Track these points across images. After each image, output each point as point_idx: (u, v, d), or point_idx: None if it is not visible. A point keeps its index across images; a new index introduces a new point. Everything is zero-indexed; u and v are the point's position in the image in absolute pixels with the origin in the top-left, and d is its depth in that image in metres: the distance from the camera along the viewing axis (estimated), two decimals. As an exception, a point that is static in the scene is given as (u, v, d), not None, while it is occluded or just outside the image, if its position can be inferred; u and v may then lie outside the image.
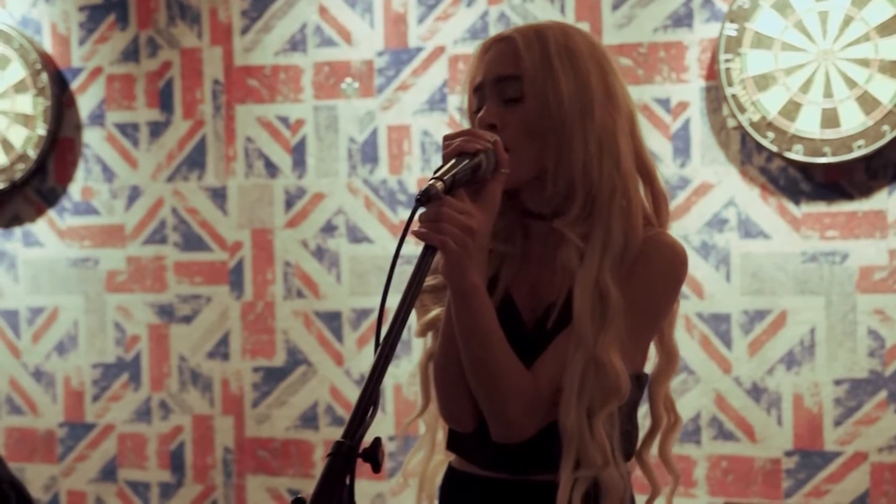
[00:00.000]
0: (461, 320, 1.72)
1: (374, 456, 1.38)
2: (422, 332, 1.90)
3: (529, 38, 1.80)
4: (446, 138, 1.69)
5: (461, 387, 1.80)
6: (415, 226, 1.61)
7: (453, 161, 1.65)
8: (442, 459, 1.99)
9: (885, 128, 3.20)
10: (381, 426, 3.68)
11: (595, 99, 1.79)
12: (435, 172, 1.62)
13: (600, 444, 1.74)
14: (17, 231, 4.08)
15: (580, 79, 1.78)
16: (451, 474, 1.95)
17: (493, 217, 1.71)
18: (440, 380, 1.84)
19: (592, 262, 1.76)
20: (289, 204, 3.78)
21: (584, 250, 1.78)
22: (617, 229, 1.77)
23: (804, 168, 3.32)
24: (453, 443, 1.93)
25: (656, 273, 1.80)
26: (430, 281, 1.87)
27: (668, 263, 1.81)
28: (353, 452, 1.36)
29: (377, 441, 1.39)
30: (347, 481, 1.36)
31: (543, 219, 1.83)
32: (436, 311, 1.87)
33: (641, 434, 1.95)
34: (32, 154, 3.98)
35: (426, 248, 1.59)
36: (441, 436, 1.98)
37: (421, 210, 1.61)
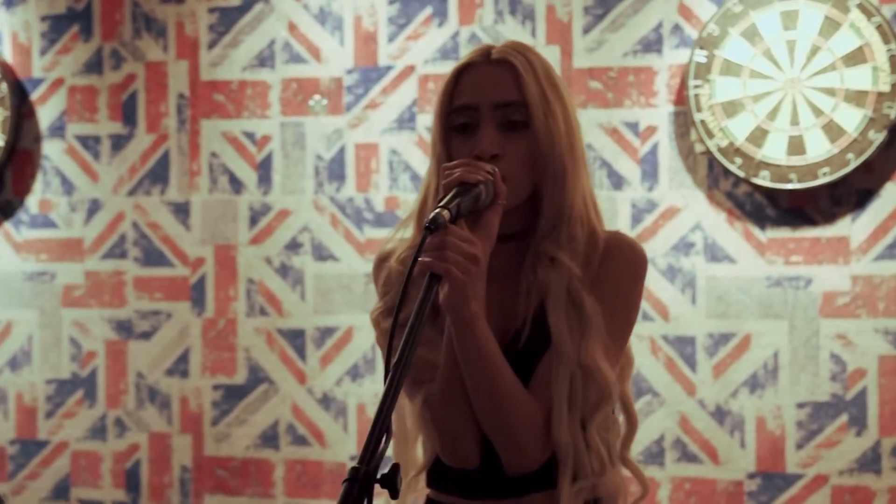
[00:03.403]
0: (466, 351, 1.64)
1: (392, 482, 1.31)
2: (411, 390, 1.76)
3: (523, 62, 1.71)
4: (445, 168, 1.62)
5: (466, 423, 1.70)
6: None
7: (455, 191, 1.57)
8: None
9: (850, 156, 3.09)
10: (344, 445, 3.46)
11: (574, 124, 1.75)
12: (439, 202, 1.55)
13: (596, 453, 1.69)
14: (-29, 243, 3.79)
15: (563, 107, 1.73)
16: None
17: (491, 247, 1.63)
18: (443, 419, 1.72)
19: (562, 273, 1.70)
20: (253, 220, 3.55)
21: (552, 263, 1.72)
22: (580, 236, 1.73)
23: (770, 194, 3.19)
24: (438, 480, 1.79)
25: (623, 272, 1.75)
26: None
27: (632, 262, 1.76)
28: (371, 478, 1.29)
29: (396, 467, 1.32)
30: None
31: (507, 240, 1.72)
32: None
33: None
34: (-11, 165, 3.70)
35: (431, 277, 1.52)
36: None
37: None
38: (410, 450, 1.80)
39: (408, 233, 1.80)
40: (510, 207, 1.67)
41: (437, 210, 1.52)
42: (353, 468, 1.28)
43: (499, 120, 1.70)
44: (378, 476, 1.29)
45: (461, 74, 1.72)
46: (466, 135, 1.71)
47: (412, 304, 1.49)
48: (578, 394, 1.67)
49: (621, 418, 1.84)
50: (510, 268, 1.74)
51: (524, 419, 1.66)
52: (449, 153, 1.72)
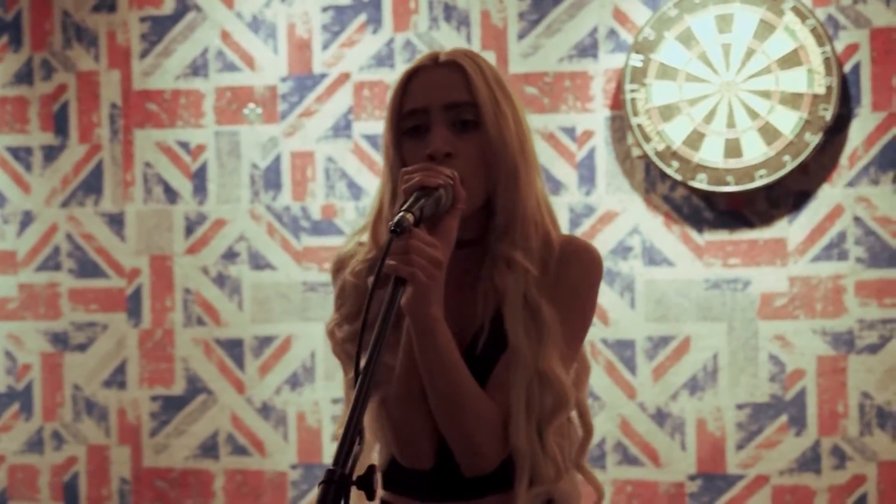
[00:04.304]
0: (426, 354, 1.59)
1: (368, 483, 1.29)
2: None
3: (471, 64, 1.68)
4: (405, 173, 1.57)
5: (421, 424, 1.65)
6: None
7: (416, 195, 1.53)
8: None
9: (787, 158, 3.01)
10: (284, 454, 3.34)
11: (524, 125, 1.71)
12: (401, 206, 1.50)
13: (552, 458, 1.64)
14: None
15: (513, 108, 1.69)
16: None
17: (450, 251, 1.59)
18: (399, 420, 1.67)
19: (518, 279, 1.65)
20: (189, 230, 3.41)
21: (507, 269, 1.67)
22: (535, 240, 1.68)
23: (707, 197, 3.11)
24: (393, 481, 1.73)
25: (580, 277, 1.70)
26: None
27: (588, 266, 1.71)
28: (347, 480, 1.26)
29: (372, 468, 1.30)
30: None
31: (464, 246, 1.66)
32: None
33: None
34: (-82, 178, 3.53)
35: (396, 281, 1.48)
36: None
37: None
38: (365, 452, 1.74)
39: (364, 239, 1.74)
40: (466, 212, 1.62)
41: (402, 213, 1.48)
42: (329, 470, 1.26)
43: (450, 120, 1.66)
44: (354, 478, 1.27)
45: (410, 80, 1.69)
46: (418, 137, 1.66)
47: (375, 309, 1.45)
48: (535, 400, 1.62)
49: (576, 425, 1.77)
50: (467, 273, 1.69)
51: (482, 421, 1.61)
52: (402, 157, 1.68)
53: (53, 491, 3.53)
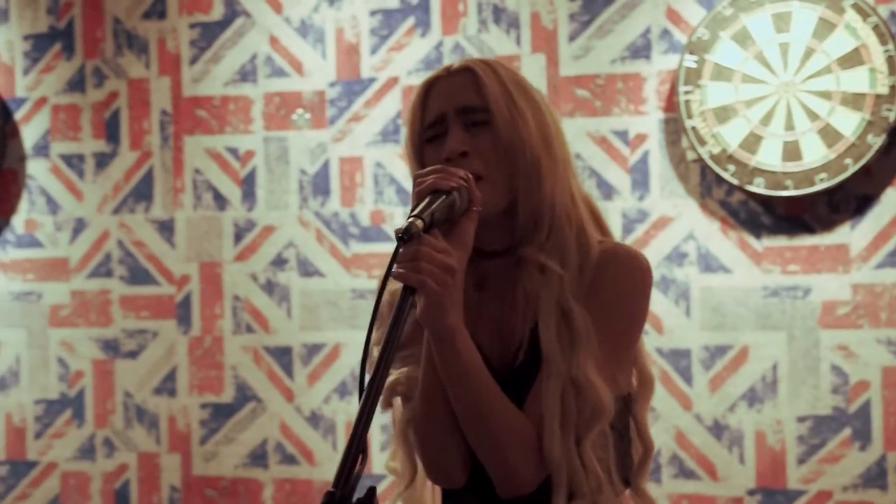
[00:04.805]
0: (447, 366, 1.49)
1: None
2: (386, 402, 1.61)
3: (485, 69, 1.60)
4: (417, 176, 1.48)
5: (449, 440, 1.56)
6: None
7: (428, 199, 1.44)
8: None
9: (848, 161, 2.86)
10: (333, 463, 3.25)
11: (551, 127, 1.62)
12: (412, 211, 1.42)
13: (592, 471, 1.53)
14: (-41, 264, 3.61)
15: (535, 110, 1.61)
16: None
17: (467, 256, 1.50)
18: (425, 437, 1.58)
19: (552, 284, 1.56)
20: (238, 237, 3.35)
21: (542, 276, 1.57)
22: (571, 246, 1.58)
23: (765, 201, 2.96)
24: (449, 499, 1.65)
25: (621, 284, 1.58)
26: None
27: (630, 272, 1.59)
28: (346, 502, 1.21)
29: (371, 491, 1.24)
30: None
31: (499, 256, 1.60)
32: (396, 374, 1.60)
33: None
34: (-26, 185, 3.52)
35: (405, 290, 1.39)
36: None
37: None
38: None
39: None
40: (492, 216, 1.55)
41: (410, 219, 1.40)
42: (329, 493, 1.20)
43: (465, 123, 1.58)
44: (354, 500, 1.22)
45: (427, 93, 1.62)
46: (438, 144, 1.59)
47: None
48: (571, 409, 1.51)
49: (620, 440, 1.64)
50: (506, 284, 1.61)
51: (513, 437, 1.51)
52: (423, 165, 1.60)
53: (105, 498, 3.48)
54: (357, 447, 1.23)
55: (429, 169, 1.48)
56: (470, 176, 1.49)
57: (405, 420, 1.60)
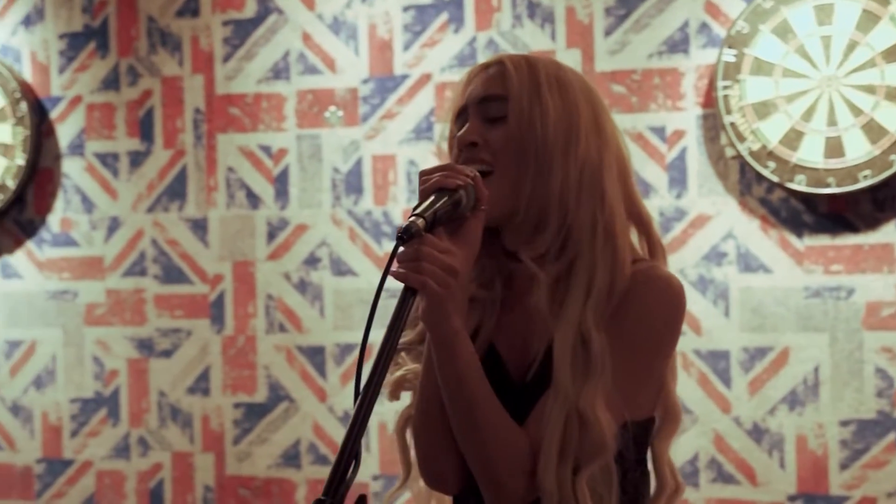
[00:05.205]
0: (444, 369, 1.43)
1: None
2: (394, 394, 1.56)
3: (519, 62, 1.53)
4: (423, 174, 1.43)
5: (443, 444, 1.50)
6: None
7: (433, 197, 1.38)
8: None
9: (893, 157, 2.75)
10: (366, 465, 3.19)
11: (582, 129, 1.49)
12: (414, 210, 1.36)
13: None
14: (-3, 263, 3.59)
15: (568, 107, 1.50)
16: None
17: (473, 257, 1.43)
18: (420, 439, 1.53)
19: (575, 306, 1.45)
20: (271, 235, 3.30)
21: (564, 292, 1.47)
22: (602, 269, 1.46)
23: (807, 199, 2.86)
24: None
25: (648, 308, 1.47)
26: (403, 336, 1.52)
27: (660, 297, 1.48)
28: None
29: (362, 499, 1.20)
30: None
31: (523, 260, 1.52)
32: (405, 369, 1.55)
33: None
34: (11, 184, 3.49)
35: (406, 291, 1.34)
36: None
37: (401, 249, 1.37)
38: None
39: None
40: (504, 217, 1.48)
41: (411, 218, 1.35)
42: (318, 500, 1.18)
43: (484, 115, 1.51)
44: None
45: (463, 86, 1.57)
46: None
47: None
48: (572, 439, 1.42)
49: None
50: (530, 290, 1.51)
51: (505, 452, 1.43)
52: (450, 157, 1.56)
53: (140, 497, 3.45)
54: (350, 454, 1.19)
55: (435, 166, 1.43)
56: (477, 174, 1.42)
57: (403, 418, 1.57)
